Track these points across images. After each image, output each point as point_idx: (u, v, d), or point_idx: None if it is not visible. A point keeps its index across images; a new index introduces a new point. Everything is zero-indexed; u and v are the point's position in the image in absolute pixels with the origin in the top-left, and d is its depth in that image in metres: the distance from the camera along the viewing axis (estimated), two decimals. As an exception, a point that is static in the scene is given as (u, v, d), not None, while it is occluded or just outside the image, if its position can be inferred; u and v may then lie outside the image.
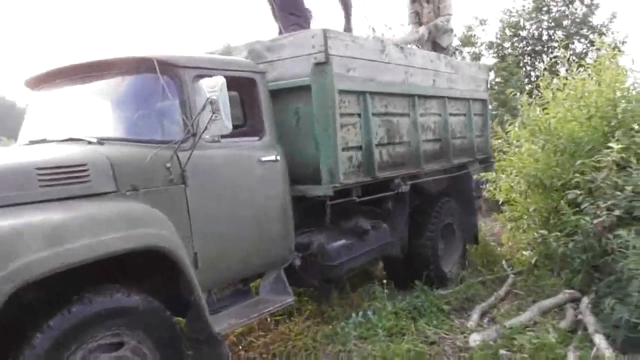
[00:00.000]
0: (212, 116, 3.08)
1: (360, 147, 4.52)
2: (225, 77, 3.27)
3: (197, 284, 3.17)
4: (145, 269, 3.18)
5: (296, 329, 4.56)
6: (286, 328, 4.61)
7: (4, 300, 2.30)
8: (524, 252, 6.45)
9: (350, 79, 4.36)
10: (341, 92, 4.25)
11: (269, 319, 4.75)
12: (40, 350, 2.47)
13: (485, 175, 7.14)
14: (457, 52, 14.86)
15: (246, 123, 4.23)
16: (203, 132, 3.18)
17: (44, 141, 3.52)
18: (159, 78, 3.31)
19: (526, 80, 14.54)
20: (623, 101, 5.52)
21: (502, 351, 3.84)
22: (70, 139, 3.38)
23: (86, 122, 3.59)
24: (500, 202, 7.16)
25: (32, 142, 3.61)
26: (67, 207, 2.73)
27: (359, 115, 4.50)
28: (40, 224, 2.54)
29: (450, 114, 5.81)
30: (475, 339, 4.06)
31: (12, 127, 4.26)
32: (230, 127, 3.15)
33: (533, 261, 6.06)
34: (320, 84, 4.14)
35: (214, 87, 3.10)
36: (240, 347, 4.39)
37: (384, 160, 4.77)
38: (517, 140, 6.77)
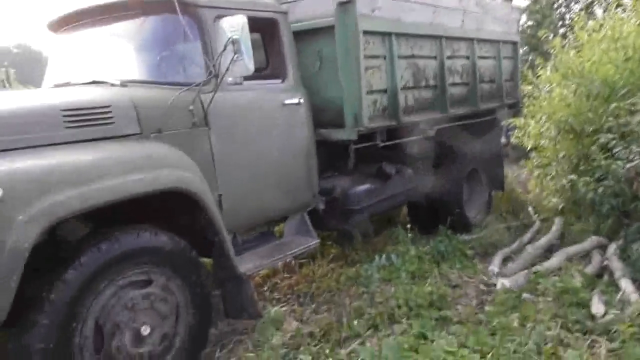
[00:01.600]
0: (233, 57, 3.03)
1: (385, 91, 4.43)
2: (247, 17, 3.20)
3: (222, 225, 3.22)
4: (172, 209, 3.23)
5: (320, 271, 4.64)
6: (310, 271, 4.68)
7: (35, 237, 2.37)
8: (552, 199, 6.35)
9: (375, 19, 4.22)
10: (366, 33, 4.13)
11: (293, 262, 4.83)
12: (72, 286, 2.56)
13: (514, 121, 6.96)
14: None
15: (269, 65, 4.18)
16: (225, 73, 3.14)
17: (68, 84, 3.54)
18: (179, 19, 3.25)
19: (560, 23, 13.90)
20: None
21: (525, 294, 3.85)
22: (94, 82, 3.38)
23: (109, 64, 3.58)
24: (528, 149, 7.02)
25: (56, 86, 3.63)
26: (92, 149, 2.76)
27: (384, 57, 4.39)
28: (67, 164, 2.58)
29: (479, 57, 5.63)
30: (504, 283, 4.07)
31: (39, 76, 4.28)
32: (253, 68, 3.10)
33: (560, 207, 5.98)
34: (344, 25, 4.02)
35: (235, 26, 3.03)
36: (265, 288, 4.49)
37: (410, 104, 4.68)
38: (549, 85, 6.53)
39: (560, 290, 3.82)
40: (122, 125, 2.93)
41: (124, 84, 3.24)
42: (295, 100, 3.87)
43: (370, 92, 4.25)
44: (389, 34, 4.36)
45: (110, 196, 2.65)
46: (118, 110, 2.94)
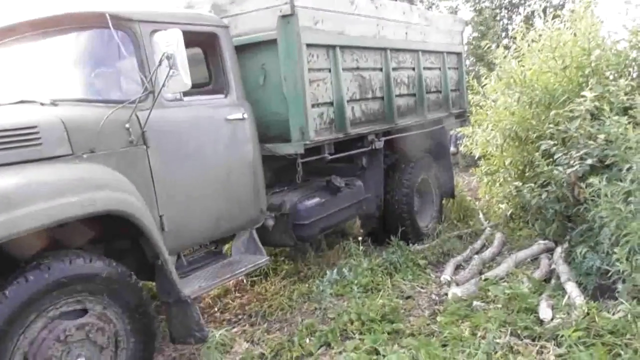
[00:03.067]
0: (169, 72, 2.92)
1: (331, 103, 4.40)
2: (186, 32, 3.12)
3: (163, 248, 3.08)
4: (112, 232, 3.09)
5: (272, 288, 4.55)
6: (262, 288, 4.58)
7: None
8: (500, 206, 6.48)
9: (319, 32, 4.20)
10: (309, 46, 4.10)
11: (244, 280, 4.73)
12: (-3, 320, 2.38)
13: (462, 130, 7.09)
14: (433, 6, 14.58)
15: (211, 81, 4.09)
16: (161, 89, 3.03)
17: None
18: (113, 34, 3.13)
19: (503, 34, 14.34)
20: (597, 50, 5.45)
21: (475, 302, 3.86)
22: (22, 101, 3.21)
23: (40, 82, 3.41)
24: (477, 157, 7.15)
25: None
26: (19, 172, 2.59)
27: (329, 70, 4.36)
28: (-11, 189, 2.41)
29: (424, 68, 5.70)
30: (455, 293, 4.07)
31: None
32: (190, 83, 3.00)
33: (508, 214, 6.10)
34: (287, 38, 3.98)
35: (170, 41, 2.93)
36: (216, 309, 4.36)
37: (357, 116, 4.67)
38: (494, 94, 6.69)
39: (509, 296, 3.85)
40: (51, 146, 2.77)
41: (54, 103, 3.08)
42: (239, 116, 3.79)
43: (316, 105, 4.21)
44: (333, 47, 4.35)
45: (41, 221, 2.48)
46: (46, 130, 2.77)
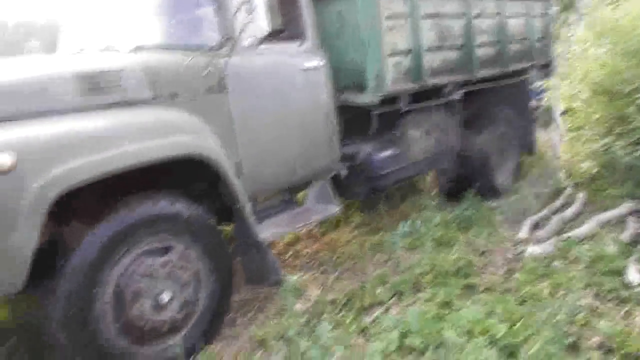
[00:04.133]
0: (248, 18, 2.90)
1: (408, 52, 4.24)
2: (263, -24, 3.06)
3: (241, 192, 3.15)
4: (190, 176, 3.18)
5: (343, 238, 4.58)
6: (333, 238, 4.63)
7: (48, 207, 2.34)
8: (583, 164, 6.10)
9: (399, -24, 4.02)
10: (387, -9, 3.93)
11: (315, 229, 4.78)
12: (90, 253, 2.54)
13: (545, 82, 6.67)
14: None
15: (287, 28, 4.02)
16: (240, 35, 3.02)
17: (80, 51, 3.47)
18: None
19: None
20: None
21: (555, 262, 3.71)
22: (106, 48, 3.31)
23: (122, 30, 3.49)
24: (559, 112, 6.74)
25: (68, 52, 3.56)
26: (105, 116, 2.70)
27: (407, 16, 4.18)
28: (81, 131, 2.53)
29: (509, 15, 5.34)
30: (533, 251, 3.93)
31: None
32: (268, 29, 2.98)
33: (594, 172, 5.75)
34: (365, -18, 3.83)
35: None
36: (288, 256, 4.46)
37: (435, 65, 4.48)
38: (582, 44, 6.21)
39: (593, 257, 3.67)
40: (135, 91, 2.85)
41: (136, 49, 3.16)
42: (315, 64, 3.73)
43: (393, 53, 4.07)
44: (413, -8, 4.15)
45: (125, 163, 2.59)
46: (130, 76, 2.86)
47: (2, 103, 2.46)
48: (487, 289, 3.49)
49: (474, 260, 3.93)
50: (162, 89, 2.93)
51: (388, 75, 3.99)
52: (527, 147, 6.14)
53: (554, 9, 6.64)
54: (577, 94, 6.13)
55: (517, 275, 3.62)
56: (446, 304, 3.27)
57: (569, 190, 5.57)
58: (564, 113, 6.60)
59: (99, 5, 3.68)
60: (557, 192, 5.61)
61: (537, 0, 5.91)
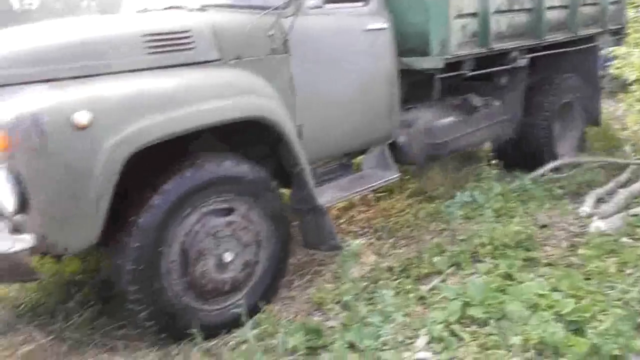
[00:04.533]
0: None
1: (475, 14, 4.06)
2: None
3: (302, 155, 3.13)
4: (249, 138, 3.18)
5: (398, 206, 4.53)
6: (387, 205, 4.59)
7: (122, 164, 2.39)
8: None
9: None
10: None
11: (370, 196, 4.74)
12: (158, 211, 2.59)
13: (614, 50, 6.29)
14: None
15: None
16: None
17: (145, 10, 3.48)
18: None
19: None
20: None
21: (624, 239, 3.56)
22: (171, 7, 3.30)
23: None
24: (627, 82, 6.37)
25: (134, 11, 3.58)
26: (174, 75, 2.71)
27: (476, -24, 3.99)
28: (152, 90, 2.55)
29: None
30: (598, 226, 3.79)
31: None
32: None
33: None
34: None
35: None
36: (342, 221, 4.45)
37: (502, 29, 4.28)
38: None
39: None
40: (203, 51, 2.85)
41: (202, 8, 3.13)
42: (379, 25, 3.63)
43: (459, 16, 3.91)
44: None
45: (196, 122, 2.61)
46: (198, 35, 2.85)
47: (77, 61, 2.50)
48: (550, 264, 3.38)
49: (535, 233, 3.82)
50: (228, 50, 2.91)
51: (453, 38, 3.84)
52: (593, 118, 5.84)
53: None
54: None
55: (581, 250, 3.49)
56: (507, 277, 3.20)
57: (636, 165, 5.30)
58: (632, 83, 6.24)
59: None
60: (623, 167, 5.35)
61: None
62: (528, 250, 3.56)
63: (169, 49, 2.77)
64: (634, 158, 5.57)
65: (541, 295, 2.82)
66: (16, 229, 2.38)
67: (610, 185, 4.80)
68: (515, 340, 2.53)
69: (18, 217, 2.33)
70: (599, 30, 5.51)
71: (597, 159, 5.36)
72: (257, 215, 3.00)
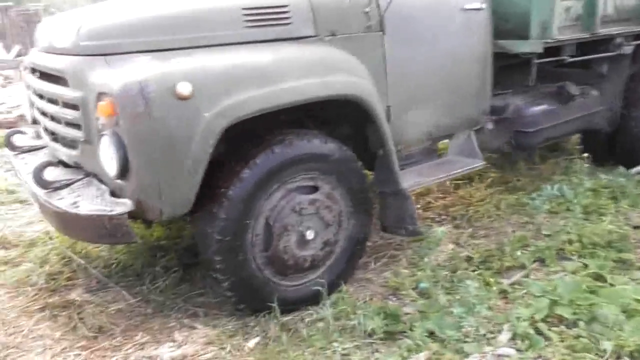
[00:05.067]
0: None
1: (581, -5, 3.79)
2: None
3: (390, 137, 3.07)
4: (335, 116, 3.15)
5: (478, 195, 4.38)
6: (466, 193, 4.45)
7: (218, 135, 2.43)
8: None
9: None
10: None
11: (448, 182, 4.62)
12: (247, 184, 2.62)
13: None
14: None
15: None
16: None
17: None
18: None
19: None
20: None
21: None
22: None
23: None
24: None
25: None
26: (271, 49, 2.71)
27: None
28: (250, 64, 2.56)
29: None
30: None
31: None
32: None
33: None
34: None
35: None
36: (418, 207, 4.36)
37: (609, 12, 3.98)
38: None
39: None
40: (299, 26, 2.82)
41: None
42: (477, 5, 3.46)
43: (565, -4, 3.66)
44: None
45: (291, 98, 2.61)
46: (295, 10, 2.82)
47: (180, 33, 2.55)
48: (645, 267, 3.18)
49: (629, 233, 3.59)
50: (324, 26, 2.87)
51: (556, 21, 3.60)
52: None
53: None
54: None
55: (683, 256, 3.25)
56: (598, 277, 3.03)
57: None
58: None
59: None
60: None
61: None
62: (620, 251, 3.36)
63: (266, 23, 2.76)
64: None
65: (638, 300, 2.65)
66: (116, 193, 2.48)
67: None
68: (608, 345, 2.41)
69: (119, 182, 2.42)
70: None
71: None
72: (340, 194, 2.98)
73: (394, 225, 3.33)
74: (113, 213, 2.36)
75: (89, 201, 2.50)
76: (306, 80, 2.66)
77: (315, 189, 2.90)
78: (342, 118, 3.17)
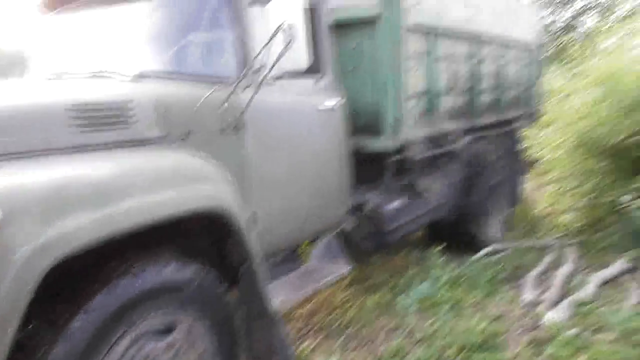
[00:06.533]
0: (286, 46, 2.43)
1: (424, 94, 3.91)
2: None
3: (256, 251, 2.61)
4: (187, 231, 2.60)
5: (340, 296, 4.09)
6: (329, 294, 4.13)
7: (37, 280, 1.72)
8: (568, 216, 5.98)
9: (420, 12, 3.70)
10: (410, 27, 3.59)
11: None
12: (78, 337, 1.91)
13: (525, 130, 6.57)
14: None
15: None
16: (273, 67, 2.53)
17: (63, 76, 2.86)
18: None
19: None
20: None
21: (577, 331, 3.40)
22: (100, 73, 2.72)
23: (116, 52, 2.90)
24: (535, 161, 6.67)
25: (51, 77, 2.93)
26: (109, 158, 2.12)
27: (426, 56, 3.86)
28: (81, 178, 1.92)
29: (509, 60, 5.19)
30: (550, 318, 3.62)
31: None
32: (309, 60, 2.51)
33: (579, 226, 5.63)
34: (389, 16, 3.48)
35: (287, 9, 2.43)
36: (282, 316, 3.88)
37: (447, 110, 4.19)
38: (567, 93, 6.19)
39: (625, 330, 3.38)
40: (144, 127, 2.29)
41: (139, 76, 2.60)
42: (334, 102, 3.30)
43: (413, 95, 3.73)
44: (433, 30, 3.84)
45: (135, 220, 2.01)
46: (140, 108, 2.29)
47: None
48: (522, 366, 3.11)
49: (498, 329, 3.55)
50: (174, 127, 2.38)
51: (408, 118, 3.62)
52: (516, 197, 5.94)
53: (542, 57, 6.59)
54: (561, 143, 6.06)
55: (549, 349, 3.26)
56: (485, 386, 2.86)
57: (556, 244, 5.37)
58: (537, 162, 6.54)
59: (87, 18, 3.07)
60: (545, 246, 5.40)
61: (530, 48, 5.81)
62: (494, 350, 3.28)
63: (101, 124, 2.18)
64: (553, 238, 5.68)
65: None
66: None
67: (542, 267, 4.77)
68: None
69: None
70: (520, 112, 5.70)
71: (524, 243, 5.38)
72: (203, 329, 2.40)
73: (263, 353, 2.81)
74: None
75: None
76: (156, 196, 2.10)
77: (172, 327, 2.27)
78: (196, 231, 2.63)
